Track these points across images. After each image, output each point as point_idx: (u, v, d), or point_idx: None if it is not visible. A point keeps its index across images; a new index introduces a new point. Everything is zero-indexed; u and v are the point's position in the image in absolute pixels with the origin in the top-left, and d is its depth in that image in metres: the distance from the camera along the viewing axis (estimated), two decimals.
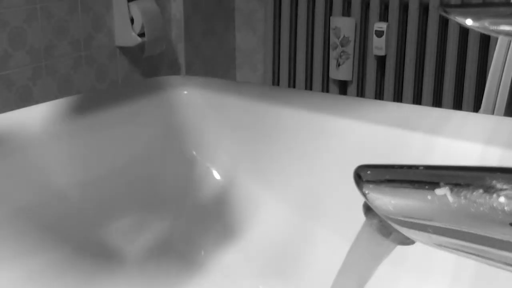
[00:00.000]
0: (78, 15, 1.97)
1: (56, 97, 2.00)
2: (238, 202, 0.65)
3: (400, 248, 0.30)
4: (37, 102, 1.86)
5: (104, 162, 0.63)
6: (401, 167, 0.27)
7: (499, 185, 0.23)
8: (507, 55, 0.98)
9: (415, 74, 2.21)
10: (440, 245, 0.26)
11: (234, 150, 0.67)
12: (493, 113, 0.99)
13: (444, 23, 2.13)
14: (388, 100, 2.24)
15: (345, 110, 0.62)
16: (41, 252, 0.56)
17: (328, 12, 2.31)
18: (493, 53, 1.00)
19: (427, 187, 0.25)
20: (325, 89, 2.39)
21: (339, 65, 2.29)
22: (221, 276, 0.60)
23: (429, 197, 0.25)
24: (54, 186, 0.59)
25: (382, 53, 2.21)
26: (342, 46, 2.27)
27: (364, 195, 0.27)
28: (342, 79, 2.32)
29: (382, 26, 2.19)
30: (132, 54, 2.18)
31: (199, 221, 0.65)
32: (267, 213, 0.63)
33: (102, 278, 0.58)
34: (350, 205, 0.41)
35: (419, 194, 0.25)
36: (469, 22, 0.41)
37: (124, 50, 2.15)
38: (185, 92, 0.69)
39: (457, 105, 2.18)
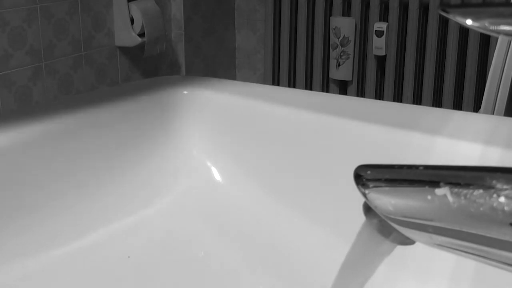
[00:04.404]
0: (78, 15, 1.97)
1: (56, 97, 1.99)
2: (238, 202, 0.65)
3: (400, 248, 0.30)
4: (37, 102, 1.86)
5: (103, 161, 0.63)
6: (401, 167, 0.27)
7: (499, 185, 0.23)
8: (507, 55, 0.98)
9: (415, 74, 2.21)
10: (440, 245, 0.26)
11: (234, 150, 0.67)
12: (493, 113, 0.99)
13: (444, 23, 2.13)
14: (388, 100, 2.24)
15: (345, 110, 0.61)
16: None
17: (328, 12, 2.31)
18: (493, 53, 1.00)
19: (427, 187, 0.25)
20: (325, 89, 2.39)
21: (339, 65, 2.29)
22: (221, 276, 0.60)
23: (429, 197, 0.25)
24: (53, 184, 0.59)
25: (382, 53, 2.21)
26: (342, 46, 2.27)
27: (364, 195, 0.27)
28: (342, 79, 2.32)
29: (382, 26, 2.19)
30: (132, 54, 2.18)
31: (199, 220, 0.65)
32: (267, 213, 0.63)
33: (102, 277, 0.58)
34: (350, 205, 0.41)
35: (419, 194, 0.25)
36: (469, 22, 0.41)
37: (124, 50, 2.15)
38: (185, 92, 0.69)
39: (457, 105, 2.18)
